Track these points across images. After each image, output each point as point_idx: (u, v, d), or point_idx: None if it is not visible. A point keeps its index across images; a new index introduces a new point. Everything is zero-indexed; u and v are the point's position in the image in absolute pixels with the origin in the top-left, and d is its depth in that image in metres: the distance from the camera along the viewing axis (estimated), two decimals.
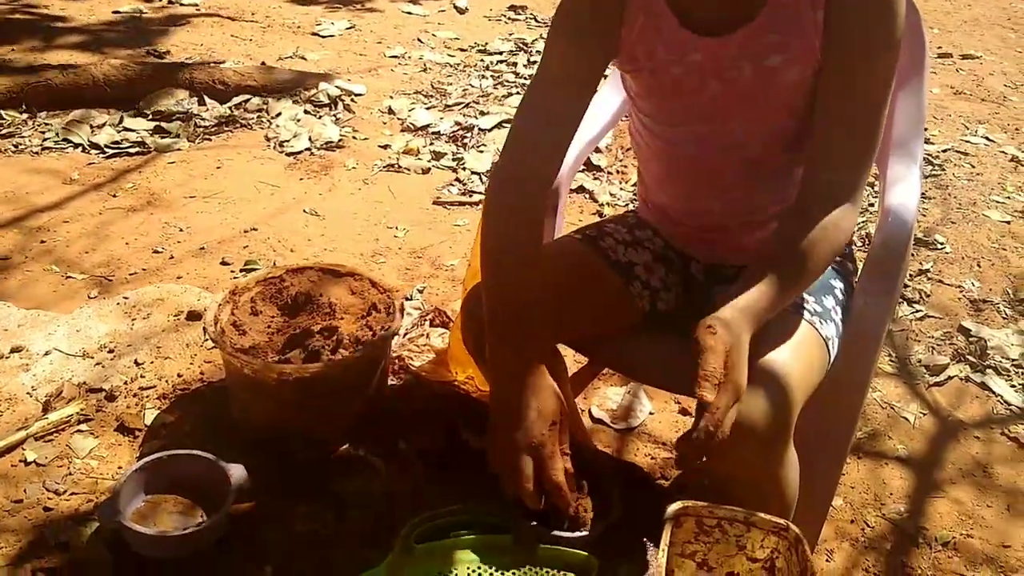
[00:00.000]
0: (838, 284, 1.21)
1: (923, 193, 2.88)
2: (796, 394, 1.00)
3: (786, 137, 1.10)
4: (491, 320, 1.11)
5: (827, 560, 1.51)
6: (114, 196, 2.51)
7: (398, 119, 3.19)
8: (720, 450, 0.97)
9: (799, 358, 1.04)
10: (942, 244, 2.59)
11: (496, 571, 1.02)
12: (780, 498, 1.07)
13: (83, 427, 1.25)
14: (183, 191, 2.58)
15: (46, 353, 1.43)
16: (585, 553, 1.03)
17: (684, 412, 1.87)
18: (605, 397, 1.90)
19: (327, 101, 3.20)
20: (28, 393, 1.33)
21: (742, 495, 0.98)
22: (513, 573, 1.02)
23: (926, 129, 3.36)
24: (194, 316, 1.55)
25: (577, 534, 1.06)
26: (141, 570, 1.01)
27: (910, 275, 2.42)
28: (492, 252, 1.14)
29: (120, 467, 1.19)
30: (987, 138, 3.37)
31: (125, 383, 1.34)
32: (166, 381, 1.35)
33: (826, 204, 1.01)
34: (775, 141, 1.11)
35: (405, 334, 1.96)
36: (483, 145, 3.01)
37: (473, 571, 1.02)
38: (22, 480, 1.16)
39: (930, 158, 3.13)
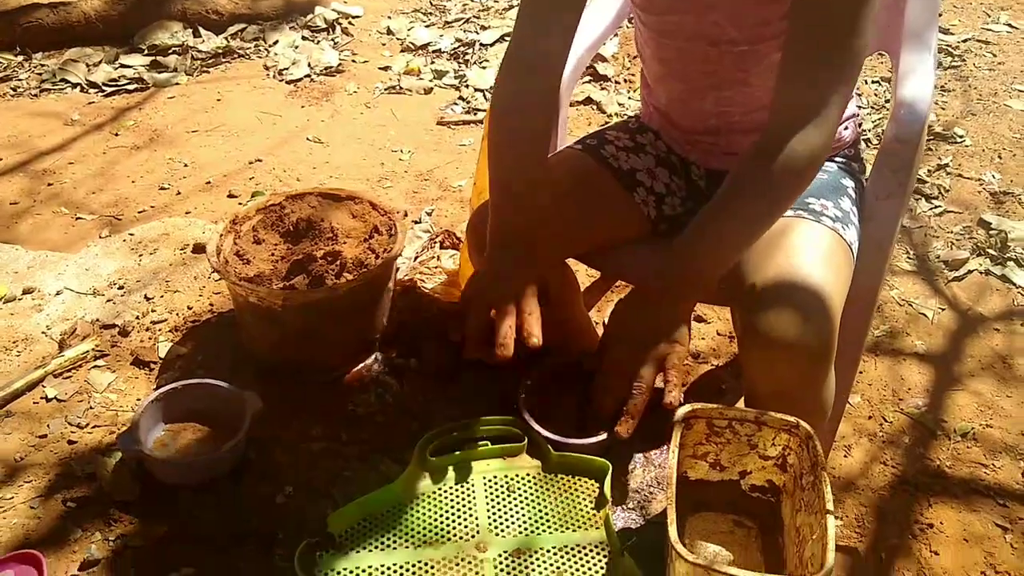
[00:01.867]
0: (849, 183, 1.18)
1: (942, 86, 2.78)
2: (835, 307, 0.98)
3: (776, 30, 1.05)
4: (495, 223, 1.09)
5: (845, 456, 1.53)
6: (116, 135, 2.49)
7: (397, 39, 3.12)
8: (764, 370, 0.97)
9: (832, 268, 1.02)
10: (962, 137, 2.51)
11: (512, 479, 1.04)
12: (820, 412, 1.06)
13: (100, 362, 1.27)
14: (185, 126, 2.56)
15: (57, 293, 1.44)
16: (598, 458, 1.04)
17: (699, 319, 1.87)
18: None
19: (324, 25, 3.13)
20: (43, 333, 1.35)
21: (784, 412, 0.98)
22: (528, 480, 1.04)
23: (941, 15, 3.22)
24: (200, 249, 1.55)
25: (590, 440, 1.07)
26: (165, 496, 1.04)
27: (928, 170, 2.36)
28: (503, 139, 1.11)
29: (138, 399, 1.21)
30: (1010, 25, 3.23)
31: (137, 318, 1.35)
32: (177, 314, 1.36)
33: (789, 129, 0.94)
34: (765, 35, 1.06)
35: (416, 257, 1.95)
36: (485, 61, 2.94)
37: (489, 480, 1.04)
38: (45, 416, 1.18)
39: (950, 49, 3.01)
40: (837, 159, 1.23)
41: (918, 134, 1.21)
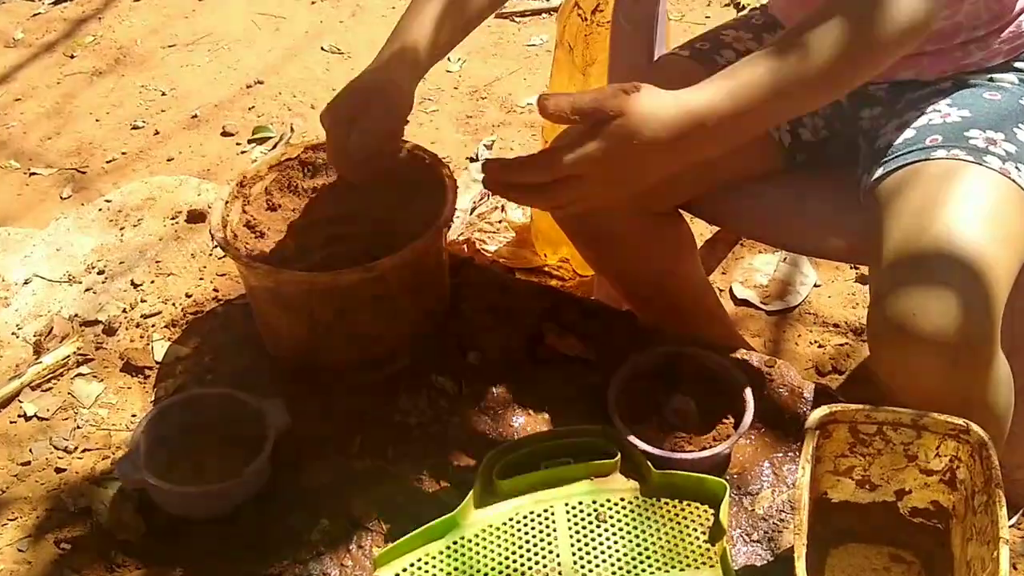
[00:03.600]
0: None
1: None
2: (994, 284, 1.03)
3: None
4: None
5: None
6: (71, 57, 2.70)
7: None
8: (897, 367, 1.06)
9: (997, 227, 1.08)
10: None
11: (602, 506, 1.18)
12: (990, 421, 1.11)
13: (84, 369, 1.46)
14: (159, 39, 2.75)
15: (26, 281, 1.64)
16: (712, 477, 1.17)
17: (862, 280, 1.96)
18: (752, 269, 2.00)
19: None
20: (14, 333, 1.55)
21: None
22: (623, 507, 1.18)
23: None
24: (196, 217, 1.72)
25: (701, 454, 1.20)
26: (175, 531, 1.22)
27: None
28: None
29: (134, 415, 1.39)
30: None
31: (124, 311, 1.54)
32: (173, 304, 1.54)
33: None
34: None
35: (472, 209, 2.10)
36: None
37: (573, 508, 1.18)
38: (25, 439, 1.38)
39: None
40: (1017, 64, 1.29)
41: None
